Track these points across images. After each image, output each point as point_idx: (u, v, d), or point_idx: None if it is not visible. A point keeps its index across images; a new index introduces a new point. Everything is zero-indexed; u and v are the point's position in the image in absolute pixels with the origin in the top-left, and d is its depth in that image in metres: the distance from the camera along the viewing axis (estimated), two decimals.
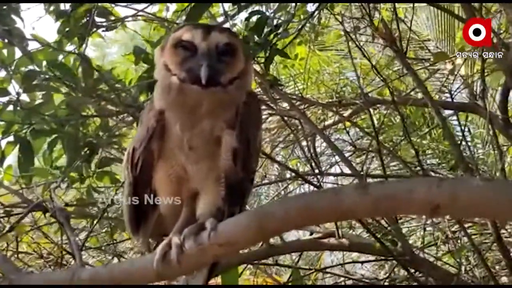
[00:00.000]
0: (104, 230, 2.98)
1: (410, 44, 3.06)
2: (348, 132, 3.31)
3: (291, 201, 0.99)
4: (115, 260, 2.90)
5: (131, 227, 1.26)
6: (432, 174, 3.11)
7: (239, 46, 1.14)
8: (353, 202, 0.91)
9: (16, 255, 2.10)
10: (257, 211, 1.01)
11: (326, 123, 3.52)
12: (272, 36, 2.51)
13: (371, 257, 2.92)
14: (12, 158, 2.77)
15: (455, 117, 3.49)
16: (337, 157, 3.64)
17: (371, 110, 3.15)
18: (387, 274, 2.74)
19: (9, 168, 2.74)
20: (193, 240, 1.04)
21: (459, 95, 3.46)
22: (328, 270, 3.01)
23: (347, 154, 3.08)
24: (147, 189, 1.20)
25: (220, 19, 3.05)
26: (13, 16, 2.44)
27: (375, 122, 2.71)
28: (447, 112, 3.24)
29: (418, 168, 3.08)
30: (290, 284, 2.65)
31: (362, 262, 2.94)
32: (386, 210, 1.01)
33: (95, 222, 2.61)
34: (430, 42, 3.90)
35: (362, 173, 2.64)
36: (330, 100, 3.79)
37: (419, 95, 3.30)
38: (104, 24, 2.88)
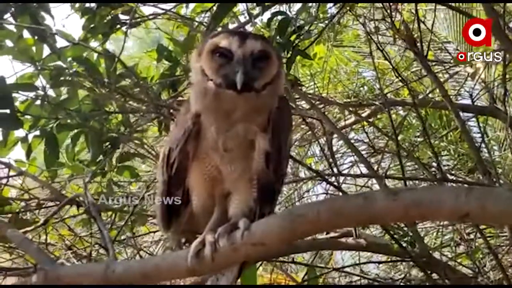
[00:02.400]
0: (123, 223, 3.06)
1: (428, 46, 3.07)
2: (366, 133, 3.33)
3: (323, 204, 1.03)
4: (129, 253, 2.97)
5: (162, 223, 1.31)
6: (449, 176, 3.12)
7: (273, 52, 1.18)
8: (383, 207, 0.95)
9: (45, 246, 2.17)
10: (289, 212, 1.05)
11: (343, 123, 3.54)
12: (294, 37, 2.55)
13: (385, 258, 2.94)
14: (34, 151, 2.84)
15: (472, 120, 3.49)
16: (350, 158, 3.69)
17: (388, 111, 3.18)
18: (403, 275, 2.77)
19: (33, 161, 2.82)
20: (227, 238, 1.09)
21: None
22: (342, 269, 3.03)
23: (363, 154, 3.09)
24: (180, 188, 1.25)
25: (241, 19, 3.09)
26: (43, 13, 2.51)
27: (392, 123, 2.72)
28: (464, 114, 3.24)
29: (434, 169, 3.10)
30: (306, 283, 2.68)
31: (379, 263, 2.96)
32: (415, 216, 1.04)
33: (117, 215, 2.68)
34: (450, 45, 3.90)
35: (381, 174, 2.66)
36: (348, 100, 3.82)
37: (437, 97, 3.32)
38: (128, 21, 2.94)
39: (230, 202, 1.20)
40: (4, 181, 1.97)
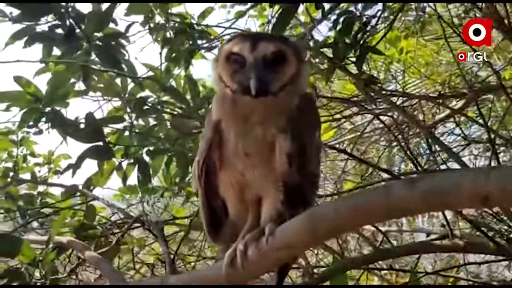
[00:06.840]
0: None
1: None
2: (460, 128, 3.03)
3: (340, 201, 0.97)
4: None
5: (211, 235, 1.33)
6: None
7: (288, 52, 1.14)
8: (401, 198, 0.86)
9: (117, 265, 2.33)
10: (309, 213, 1.01)
11: (438, 116, 3.30)
12: (361, 34, 2.46)
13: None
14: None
15: None
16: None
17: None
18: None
19: (134, 187, 3.06)
20: (255, 245, 1.07)
21: None
22: (444, 272, 2.78)
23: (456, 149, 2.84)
24: (217, 197, 1.26)
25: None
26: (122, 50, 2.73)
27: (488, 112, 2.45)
28: None
29: None
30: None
31: (480, 263, 2.68)
32: (436, 206, 0.94)
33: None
34: None
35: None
36: (441, 92, 3.55)
37: None
38: (205, 45, 3.08)
39: (262, 207, 1.18)
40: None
